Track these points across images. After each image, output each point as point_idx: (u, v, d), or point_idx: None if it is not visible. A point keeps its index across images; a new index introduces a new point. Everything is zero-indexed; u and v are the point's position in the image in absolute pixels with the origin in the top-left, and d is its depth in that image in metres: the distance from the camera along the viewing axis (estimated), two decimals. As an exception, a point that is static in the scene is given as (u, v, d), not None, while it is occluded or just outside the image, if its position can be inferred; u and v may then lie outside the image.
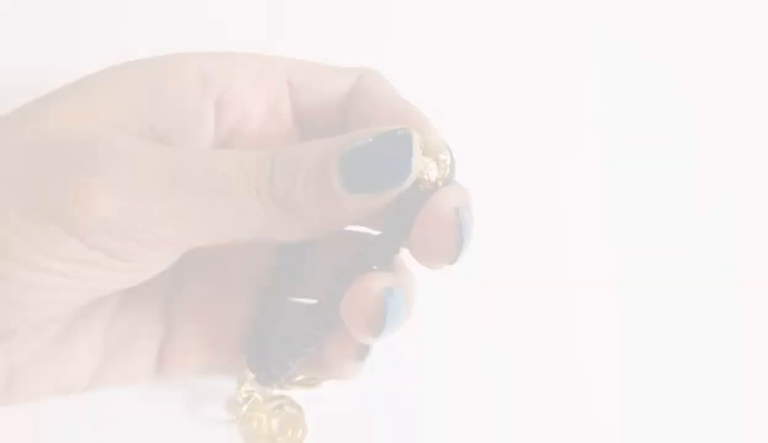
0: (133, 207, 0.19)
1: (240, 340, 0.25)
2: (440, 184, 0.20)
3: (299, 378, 0.26)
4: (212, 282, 0.25)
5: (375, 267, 0.21)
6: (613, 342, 0.29)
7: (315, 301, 0.24)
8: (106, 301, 0.24)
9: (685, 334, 0.29)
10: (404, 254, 0.22)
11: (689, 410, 0.28)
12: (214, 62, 0.23)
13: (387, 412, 0.27)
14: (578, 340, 0.29)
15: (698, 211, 0.32)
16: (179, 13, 0.32)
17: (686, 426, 0.28)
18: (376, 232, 0.23)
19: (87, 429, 0.26)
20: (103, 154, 0.19)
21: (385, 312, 0.20)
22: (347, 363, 0.23)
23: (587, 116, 0.32)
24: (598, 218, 0.31)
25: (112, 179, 0.19)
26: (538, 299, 0.29)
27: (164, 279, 0.24)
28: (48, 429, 0.25)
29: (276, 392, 0.26)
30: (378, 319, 0.20)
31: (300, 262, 0.25)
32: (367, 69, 0.24)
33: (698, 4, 0.35)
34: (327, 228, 0.21)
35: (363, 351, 0.23)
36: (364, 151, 0.19)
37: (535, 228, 0.30)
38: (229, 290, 0.25)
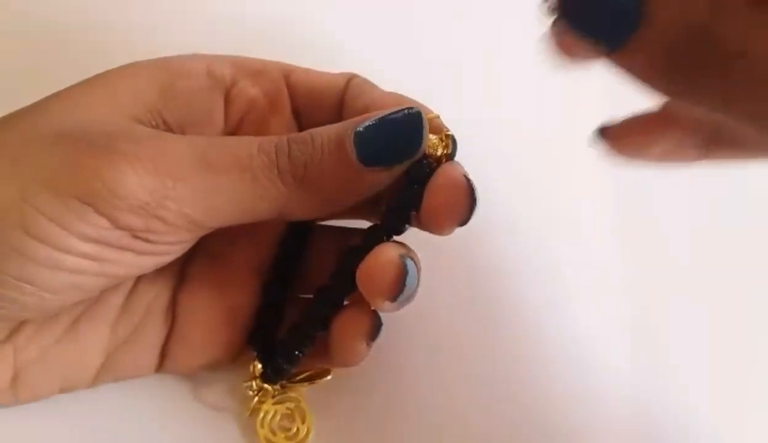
0: (161, 186, 0.20)
1: (244, 334, 0.25)
2: (444, 159, 0.22)
3: (303, 375, 0.26)
4: (217, 277, 0.25)
5: (386, 238, 0.22)
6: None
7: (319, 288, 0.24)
8: (114, 296, 0.24)
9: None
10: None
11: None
12: (220, 61, 0.24)
13: (391, 408, 0.27)
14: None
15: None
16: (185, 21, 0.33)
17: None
18: (372, 223, 0.24)
19: (95, 419, 0.25)
20: (128, 137, 0.20)
21: (404, 274, 0.21)
22: (357, 344, 0.23)
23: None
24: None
25: (139, 159, 0.20)
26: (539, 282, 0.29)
27: (169, 273, 0.25)
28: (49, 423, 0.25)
29: (281, 387, 0.26)
30: (398, 281, 0.21)
31: (302, 255, 0.26)
32: (353, 73, 0.26)
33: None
34: (343, 203, 0.22)
35: (374, 330, 0.23)
36: (377, 127, 0.21)
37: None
38: (233, 284, 0.25)
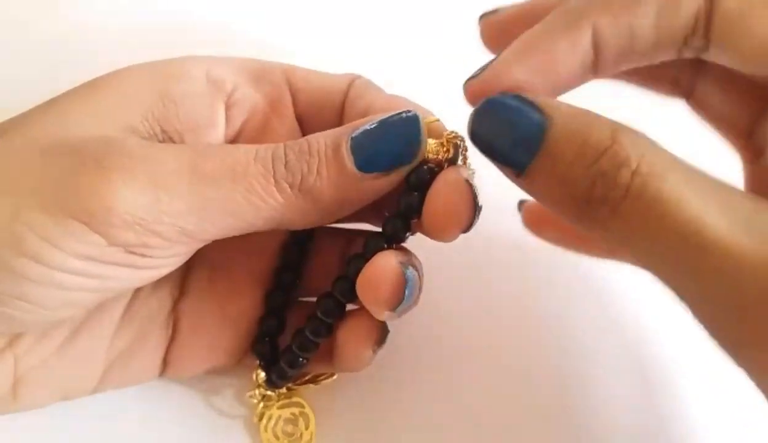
0: (156, 201, 0.19)
1: (248, 339, 0.25)
2: (446, 164, 0.22)
3: (308, 377, 0.26)
4: (218, 284, 0.25)
5: (385, 246, 0.22)
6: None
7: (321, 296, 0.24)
8: (114, 305, 0.24)
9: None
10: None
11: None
12: (221, 65, 0.24)
13: (394, 413, 0.27)
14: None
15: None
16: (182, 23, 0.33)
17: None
18: (377, 229, 0.24)
19: (103, 422, 0.25)
20: (120, 152, 0.20)
21: (404, 284, 0.21)
22: (364, 351, 0.23)
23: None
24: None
25: (132, 175, 0.19)
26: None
27: (170, 282, 0.25)
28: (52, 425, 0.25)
29: (287, 391, 0.26)
30: (397, 292, 0.21)
31: (303, 261, 0.26)
32: (357, 74, 0.26)
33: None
34: (341, 210, 0.22)
35: (381, 336, 0.23)
36: (374, 132, 0.21)
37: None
38: (235, 291, 0.25)
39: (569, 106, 0.19)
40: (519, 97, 0.19)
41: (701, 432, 0.27)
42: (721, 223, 0.16)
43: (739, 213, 0.16)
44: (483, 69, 0.21)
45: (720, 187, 0.17)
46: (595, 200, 0.18)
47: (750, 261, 0.16)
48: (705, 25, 0.18)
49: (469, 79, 0.21)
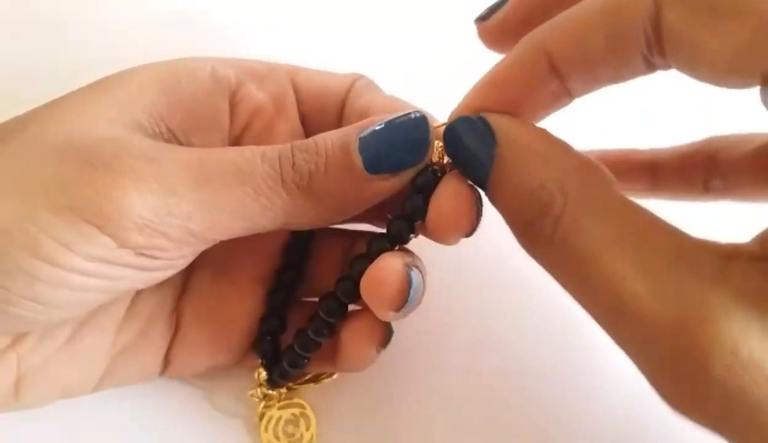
0: (164, 204, 0.19)
1: (249, 338, 0.25)
2: (449, 168, 0.22)
3: (308, 376, 0.26)
4: (220, 283, 0.25)
5: (389, 247, 0.22)
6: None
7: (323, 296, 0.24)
8: (116, 304, 0.23)
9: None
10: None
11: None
12: (226, 65, 0.24)
13: (395, 414, 0.27)
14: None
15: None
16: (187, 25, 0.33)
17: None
18: (380, 230, 0.24)
19: (102, 420, 0.25)
20: (129, 154, 0.20)
21: (408, 285, 0.21)
22: (368, 351, 0.23)
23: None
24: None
25: (142, 178, 0.19)
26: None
27: (173, 281, 0.24)
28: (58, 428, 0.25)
29: (287, 390, 0.26)
30: (401, 293, 0.21)
31: (305, 261, 0.26)
32: (360, 74, 0.26)
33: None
34: (349, 211, 0.22)
35: (385, 337, 0.23)
36: (382, 133, 0.21)
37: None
38: (237, 291, 0.25)
39: (521, 129, 0.19)
40: (482, 121, 0.20)
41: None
42: (637, 284, 0.16)
43: (656, 272, 0.16)
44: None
45: (642, 238, 0.17)
46: (529, 241, 0.19)
47: (662, 325, 0.16)
48: (657, 45, 0.18)
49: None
